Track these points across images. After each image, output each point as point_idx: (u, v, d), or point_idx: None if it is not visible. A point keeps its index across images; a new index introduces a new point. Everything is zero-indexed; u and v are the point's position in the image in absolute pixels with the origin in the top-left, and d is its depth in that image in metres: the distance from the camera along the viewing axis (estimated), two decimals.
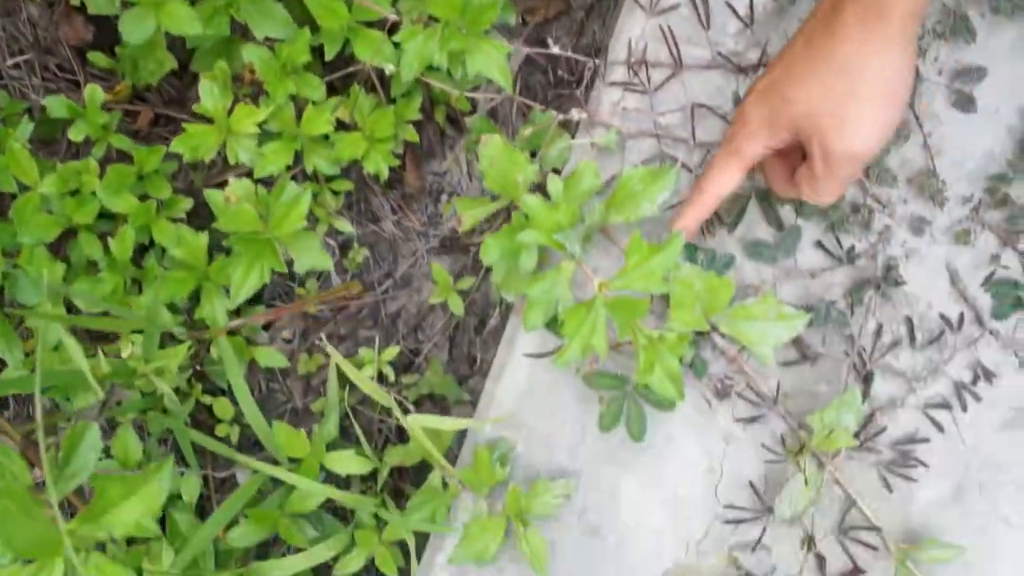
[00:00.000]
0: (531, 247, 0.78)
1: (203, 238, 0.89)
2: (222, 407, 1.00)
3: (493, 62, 0.78)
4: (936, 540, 0.82)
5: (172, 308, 0.96)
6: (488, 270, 1.06)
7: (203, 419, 1.04)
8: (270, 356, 1.00)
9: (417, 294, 1.08)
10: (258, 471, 0.87)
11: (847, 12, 0.61)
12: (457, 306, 0.97)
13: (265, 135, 0.90)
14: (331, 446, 0.93)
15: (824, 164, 0.66)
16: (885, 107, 0.63)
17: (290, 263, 0.87)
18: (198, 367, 1.00)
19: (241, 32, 0.91)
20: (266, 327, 1.08)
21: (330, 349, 0.77)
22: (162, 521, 0.94)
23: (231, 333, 0.99)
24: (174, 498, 0.96)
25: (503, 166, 0.77)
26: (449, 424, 0.80)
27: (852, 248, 0.83)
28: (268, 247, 0.83)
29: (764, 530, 0.84)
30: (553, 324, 0.81)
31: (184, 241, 0.87)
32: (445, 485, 0.88)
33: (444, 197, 1.07)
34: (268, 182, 0.90)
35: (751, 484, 0.85)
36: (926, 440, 0.85)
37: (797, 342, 0.85)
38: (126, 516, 0.61)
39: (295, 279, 1.07)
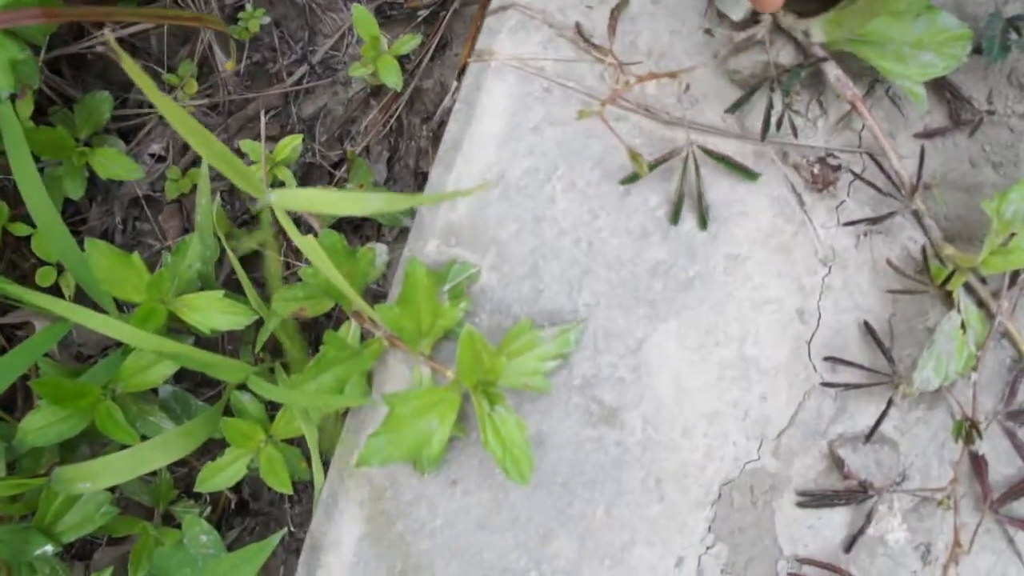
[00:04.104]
0: None
1: None
2: (43, 242, 0.66)
3: None
4: None
5: None
6: (442, 45, 0.71)
7: (21, 266, 0.70)
8: (114, 162, 0.65)
9: (343, 88, 0.73)
10: (62, 318, 0.53)
11: None
12: (392, 76, 0.62)
13: None
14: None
15: None
16: None
17: None
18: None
19: None
20: (127, 138, 0.74)
21: (112, 43, 0.39)
22: None
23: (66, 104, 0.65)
24: None
25: None
26: (347, 206, 0.44)
27: None
28: None
29: (887, 409, 0.50)
30: None
31: None
32: (364, 340, 0.54)
33: None
34: None
35: (867, 329, 0.50)
36: None
37: (945, 93, 0.50)
38: None
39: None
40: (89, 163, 0.67)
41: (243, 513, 0.71)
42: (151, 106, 0.74)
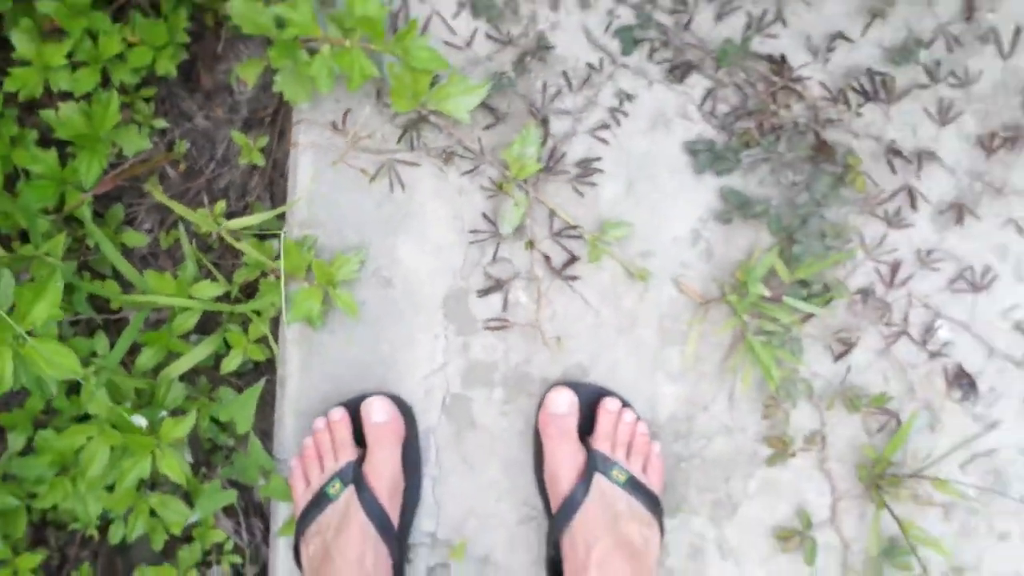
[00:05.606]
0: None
1: (52, 152, 1.19)
2: (109, 287, 1.31)
3: None
4: (617, 222, 1.17)
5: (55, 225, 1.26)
6: (282, 132, 1.38)
7: (100, 305, 1.36)
8: (133, 237, 1.31)
9: (237, 168, 1.40)
10: (145, 305, 1.20)
11: None
12: (259, 159, 1.28)
13: (76, 65, 1.19)
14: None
15: None
16: None
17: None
18: (83, 258, 1.31)
19: None
20: (130, 223, 1.40)
21: (155, 191, 1.07)
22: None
23: (100, 216, 1.30)
24: (92, 355, 1.28)
25: (250, 14, 1.06)
26: (256, 220, 1.12)
27: (509, 32, 1.16)
28: (99, 141, 1.13)
29: (498, 246, 1.18)
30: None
31: (38, 158, 1.17)
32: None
33: (236, 87, 1.38)
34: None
35: (484, 216, 1.19)
36: (598, 159, 1.19)
37: (490, 109, 1.18)
38: (40, 312, 0.92)
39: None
40: (123, 242, 1.33)
41: None
42: (138, 203, 1.40)
